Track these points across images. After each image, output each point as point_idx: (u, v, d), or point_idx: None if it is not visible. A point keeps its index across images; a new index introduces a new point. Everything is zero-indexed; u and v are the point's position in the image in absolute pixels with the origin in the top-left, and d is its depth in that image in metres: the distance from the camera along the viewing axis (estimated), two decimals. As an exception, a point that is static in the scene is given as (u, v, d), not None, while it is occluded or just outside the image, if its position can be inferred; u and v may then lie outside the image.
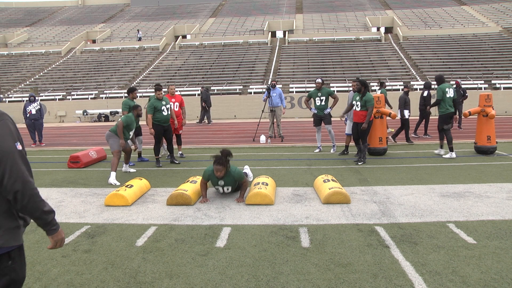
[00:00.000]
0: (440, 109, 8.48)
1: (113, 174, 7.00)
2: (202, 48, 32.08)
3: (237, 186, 5.72)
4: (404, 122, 10.73)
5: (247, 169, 6.99)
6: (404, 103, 10.75)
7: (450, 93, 8.42)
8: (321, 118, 9.23)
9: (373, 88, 21.49)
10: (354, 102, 8.19)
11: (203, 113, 18.80)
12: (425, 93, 11.11)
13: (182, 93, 22.07)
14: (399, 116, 10.79)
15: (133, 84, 25.27)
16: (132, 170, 7.88)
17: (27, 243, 4.12)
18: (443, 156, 8.50)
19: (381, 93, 11.89)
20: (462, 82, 15.95)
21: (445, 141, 8.55)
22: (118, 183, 6.90)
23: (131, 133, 7.52)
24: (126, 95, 13.56)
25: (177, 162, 8.60)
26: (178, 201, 5.36)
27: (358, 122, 8.05)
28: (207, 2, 47.67)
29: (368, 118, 7.82)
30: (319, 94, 9.14)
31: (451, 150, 8.40)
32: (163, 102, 8.14)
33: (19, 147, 1.94)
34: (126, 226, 4.62)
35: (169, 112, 8.23)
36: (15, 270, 2.01)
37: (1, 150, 1.87)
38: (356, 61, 26.67)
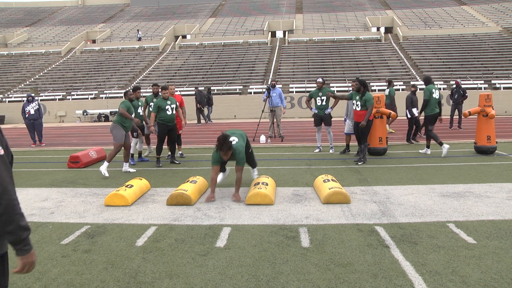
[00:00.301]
0: (426, 110, 8.77)
1: (105, 163, 7.25)
2: (202, 48, 32.09)
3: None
4: (412, 121, 10.74)
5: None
6: (411, 103, 10.77)
7: (436, 94, 8.73)
8: (321, 118, 9.24)
9: (374, 88, 21.52)
10: (354, 102, 8.20)
11: (199, 114, 18.91)
12: None
13: (182, 93, 22.09)
14: (408, 116, 10.79)
15: (133, 84, 25.27)
16: (132, 170, 7.89)
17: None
18: (442, 156, 8.51)
19: (389, 92, 11.89)
20: (462, 82, 15.96)
21: (433, 141, 8.79)
22: (107, 175, 7.21)
23: (133, 116, 7.75)
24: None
25: (177, 162, 8.61)
26: (178, 201, 5.37)
27: (359, 122, 8.06)
28: (207, 2, 47.68)
29: (367, 116, 7.82)
30: (320, 94, 9.14)
31: (441, 144, 8.52)
32: (168, 102, 8.17)
33: (1, 151, 1.77)
34: (126, 226, 4.62)
35: (173, 112, 8.25)
36: None
37: None
38: (356, 61, 26.67)
